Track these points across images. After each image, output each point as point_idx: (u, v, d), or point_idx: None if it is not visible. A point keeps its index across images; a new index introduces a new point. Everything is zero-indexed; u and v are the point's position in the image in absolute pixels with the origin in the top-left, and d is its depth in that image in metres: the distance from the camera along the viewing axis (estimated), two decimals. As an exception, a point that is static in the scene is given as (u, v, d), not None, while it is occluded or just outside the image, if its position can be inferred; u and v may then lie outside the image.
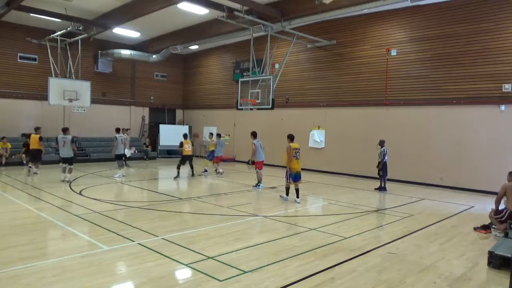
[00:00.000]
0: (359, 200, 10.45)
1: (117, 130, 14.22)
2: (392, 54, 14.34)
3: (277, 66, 17.64)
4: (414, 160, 13.70)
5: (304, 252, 5.76)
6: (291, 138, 9.92)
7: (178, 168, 13.90)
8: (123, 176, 13.71)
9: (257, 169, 12.05)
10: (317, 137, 16.67)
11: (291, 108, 17.72)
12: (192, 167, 14.36)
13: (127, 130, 16.04)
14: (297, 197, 9.70)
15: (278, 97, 16.45)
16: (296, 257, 5.55)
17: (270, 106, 14.00)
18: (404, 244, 6.46)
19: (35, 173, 13.69)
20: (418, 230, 7.40)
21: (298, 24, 14.50)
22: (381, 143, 12.19)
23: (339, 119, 16.07)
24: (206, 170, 15.17)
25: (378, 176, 12.39)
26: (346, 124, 15.77)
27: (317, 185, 13.28)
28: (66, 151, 12.40)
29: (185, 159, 14.08)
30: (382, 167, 12.06)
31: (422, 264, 5.48)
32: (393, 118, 14.35)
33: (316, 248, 5.97)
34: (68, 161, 12.42)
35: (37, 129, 13.65)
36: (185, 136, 14.38)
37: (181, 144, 14.04)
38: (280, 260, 5.37)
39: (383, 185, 12.17)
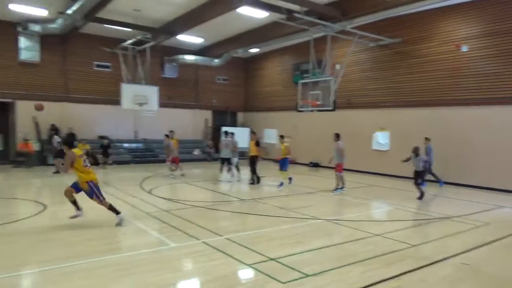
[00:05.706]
0: (428, 206, 9.89)
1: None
2: (463, 50, 13.36)
3: (337, 66, 17.26)
4: (490, 163, 12.57)
5: (369, 258, 5.58)
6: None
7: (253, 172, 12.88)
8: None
9: (337, 172, 11.60)
10: (381, 139, 16.06)
11: (352, 109, 17.23)
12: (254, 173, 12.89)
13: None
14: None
15: (339, 98, 16.08)
16: (359, 263, 5.40)
17: (331, 108, 13.76)
18: (479, 254, 5.99)
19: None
20: (496, 241, 6.81)
21: (359, 22, 14.09)
22: (416, 151, 10.81)
23: (404, 120, 15.30)
24: (282, 183, 12.49)
25: (416, 185, 10.79)
26: (412, 125, 14.91)
27: (381, 189, 12.79)
28: (226, 152, 13.51)
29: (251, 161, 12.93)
30: (422, 174, 10.87)
31: (501, 277, 5.05)
32: (464, 118, 13.34)
33: (382, 255, 5.75)
34: (227, 160, 13.67)
35: (254, 133, 13.71)
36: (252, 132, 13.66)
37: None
38: (343, 265, 5.26)
39: (421, 194, 10.65)
